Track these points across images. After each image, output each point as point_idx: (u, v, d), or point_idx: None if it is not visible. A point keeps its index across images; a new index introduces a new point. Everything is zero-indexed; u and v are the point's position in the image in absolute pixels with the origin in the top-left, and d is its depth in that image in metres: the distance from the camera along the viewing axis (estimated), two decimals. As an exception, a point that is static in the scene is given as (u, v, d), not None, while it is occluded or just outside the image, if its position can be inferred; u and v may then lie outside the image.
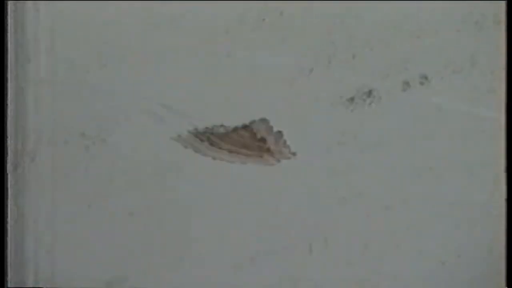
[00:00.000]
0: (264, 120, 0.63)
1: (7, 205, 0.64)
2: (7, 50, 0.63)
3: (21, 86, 0.62)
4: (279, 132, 0.63)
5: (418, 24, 0.64)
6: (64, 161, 0.63)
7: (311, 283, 0.65)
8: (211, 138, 0.63)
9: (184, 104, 0.63)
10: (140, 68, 0.63)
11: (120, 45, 0.62)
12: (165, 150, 0.63)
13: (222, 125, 0.63)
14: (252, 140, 0.63)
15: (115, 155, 0.63)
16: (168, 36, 0.63)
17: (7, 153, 0.63)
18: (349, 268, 0.65)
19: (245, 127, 0.63)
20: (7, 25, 0.62)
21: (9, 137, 0.63)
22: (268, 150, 0.63)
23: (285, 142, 0.64)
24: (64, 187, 0.63)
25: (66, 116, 0.62)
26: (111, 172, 0.63)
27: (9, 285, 0.64)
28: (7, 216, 0.64)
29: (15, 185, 0.63)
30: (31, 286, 0.64)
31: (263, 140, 0.63)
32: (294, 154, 0.64)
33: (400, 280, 0.66)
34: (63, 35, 0.62)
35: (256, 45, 0.63)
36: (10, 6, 0.62)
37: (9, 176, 0.63)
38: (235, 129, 0.63)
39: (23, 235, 0.63)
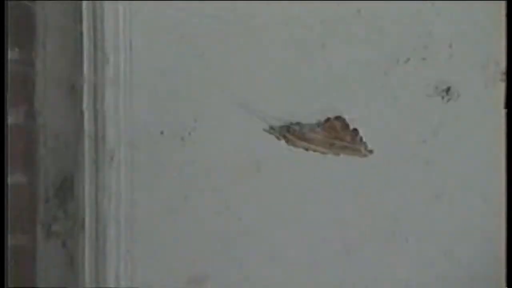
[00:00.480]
0: (354, 110, 0.64)
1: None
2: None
3: (100, 86, 0.62)
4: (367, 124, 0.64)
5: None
6: (143, 160, 0.63)
7: (402, 276, 0.66)
8: (302, 130, 0.63)
9: (276, 96, 0.64)
10: (229, 62, 0.63)
11: (209, 40, 0.63)
12: (255, 143, 0.63)
13: (313, 117, 0.64)
14: (344, 131, 0.64)
15: (195, 154, 0.63)
16: (261, 29, 0.64)
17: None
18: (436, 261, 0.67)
19: (337, 117, 0.64)
20: (83, 26, 0.62)
21: (87, 137, 0.62)
22: (361, 140, 0.64)
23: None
24: (143, 187, 0.63)
25: (145, 115, 0.62)
26: (193, 173, 0.63)
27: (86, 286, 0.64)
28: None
29: (95, 185, 0.63)
30: (112, 286, 0.63)
31: (355, 130, 0.64)
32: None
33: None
34: (141, 34, 0.62)
35: (351, 36, 0.64)
36: (86, 6, 0.62)
37: (87, 176, 0.63)
38: (328, 120, 0.64)
39: (104, 236, 0.63)
